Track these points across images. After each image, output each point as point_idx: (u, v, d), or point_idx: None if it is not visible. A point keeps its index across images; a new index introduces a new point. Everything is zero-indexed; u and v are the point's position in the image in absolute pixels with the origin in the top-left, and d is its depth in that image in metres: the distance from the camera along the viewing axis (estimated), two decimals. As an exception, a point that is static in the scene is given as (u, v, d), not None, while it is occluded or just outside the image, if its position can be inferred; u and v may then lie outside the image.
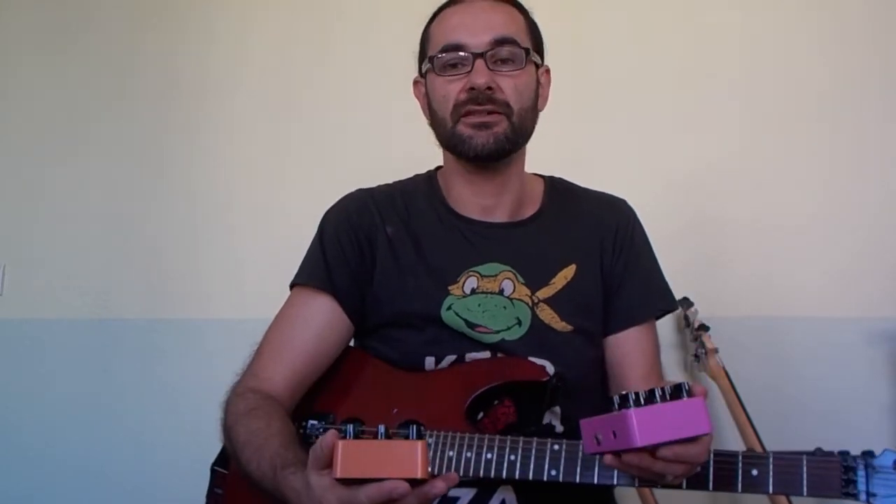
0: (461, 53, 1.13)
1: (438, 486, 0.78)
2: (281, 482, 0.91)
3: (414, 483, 0.76)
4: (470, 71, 1.12)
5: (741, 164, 1.98)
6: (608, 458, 0.87)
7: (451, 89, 1.14)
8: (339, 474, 0.76)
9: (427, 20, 1.23)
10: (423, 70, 1.21)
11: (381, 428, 0.77)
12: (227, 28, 2.33)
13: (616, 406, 0.82)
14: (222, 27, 2.33)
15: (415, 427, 0.77)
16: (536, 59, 1.19)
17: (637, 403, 0.81)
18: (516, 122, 1.15)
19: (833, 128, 1.95)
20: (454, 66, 1.14)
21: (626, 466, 0.87)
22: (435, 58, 1.16)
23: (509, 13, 1.18)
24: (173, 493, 1.74)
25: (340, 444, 0.76)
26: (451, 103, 1.14)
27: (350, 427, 0.78)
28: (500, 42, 1.13)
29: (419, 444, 0.76)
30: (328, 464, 0.78)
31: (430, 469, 0.78)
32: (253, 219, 2.20)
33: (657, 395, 0.81)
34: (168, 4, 2.37)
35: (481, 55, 1.12)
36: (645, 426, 0.80)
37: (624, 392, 0.82)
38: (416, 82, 1.25)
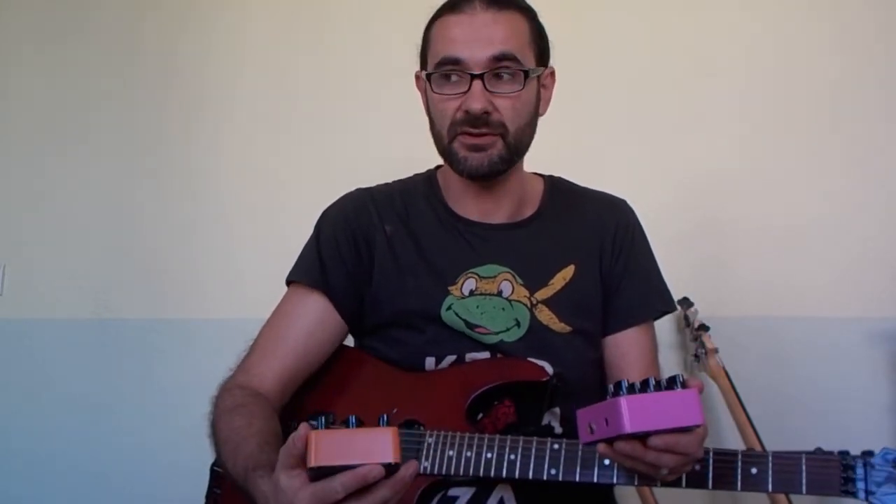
0: (458, 72, 1.11)
1: (412, 468, 0.80)
2: (250, 484, 0.91)
3: (388, 471, 0.78)
4: (467, 91, 1.10)
5: (742, 164, 1.98)
6: (601, 448, 0.88)
7: (447, 107, 1.13)
8: (313, 463, 0.76)
9: (430, 17, 1.20)
10: (424, 75, 1.19)
11: (352, 418, 0.79)
12: (226, 28, 2.32)
13: (610, 394, 0.83)
14: (222, 27, 2.33)
15: (385, 416, 0.80)
16: (538, 72, 1.16)
17: (630, 391, 0.82)
18: (512, 142, 1.13)
19: (834, 128, 1.95)
20: (451, 80, 1.12)
21: (619, 456, 0.88)
22: (432, 73, 1.13)
23: (512, 26, 1.13)
24: (172, 492, 1.74)
25: (313, 434, 0.77)
26: (447, 121, 1.13)
27: (322, 418, 0.80)
28: (500, 58, 1.10)
29: (390, 430, 0.78)
30: (299, 462, 0.79)
31: (425, 467, 0.78)
32: (252, 219, 2.20)
33: (651, 385, 0.83)
34: (166, 3, 2.37)
35: (479, 76, 1.10)
36: (635, 413, 0.81)
37: (618, 381, 0.83)
38: (417, 77, 1.24)
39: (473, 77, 1.10)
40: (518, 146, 1.15)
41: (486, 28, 1.11)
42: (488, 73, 1.10)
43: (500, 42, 1.11)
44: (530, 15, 1.18)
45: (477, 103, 1.09)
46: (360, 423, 0.79)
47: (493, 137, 1.12)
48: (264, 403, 1.09)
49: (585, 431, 0.88)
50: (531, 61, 1.14)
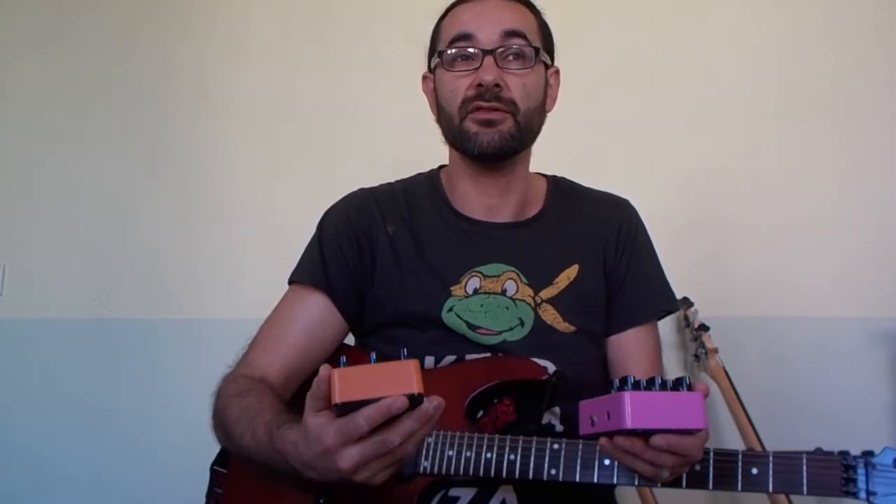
0: (470, 49, 1.14)
1: (437, 401, 0.79)
2: (277, 440, 0.90)
3: (412, 403, 0.77)
4: (479, 67, 1.12)
5: (742, 164, 1.98)
6: (602, 441, 0.88)
7: (459, 84, 1.14)
8: (336, 399, 0.76)
9: (437, 18, 1.23)
10: (433, 65, 1.21)
11: (373, 354, 0.79)
12: (225, 27, 2.32)
13: (614, 389, 0.84)
14: (221, 27, 2.33)
15: (404, 350, 0.79)
16: (546, 58, 1.19)
17: (635, 387, 0.83)
18: (522, 121, 1.14)
19: (835, 128, 1.95)
20: (464, 59, 1.14)
21: (618, 451, 0.88)
22: (444, 52, 1.16)
23: (521, 11, 1.18)
24: (173, 492, 1.74)
25: (335, 372, 0.77)
26: (458, 99, 1.14)
27: (343, 358, 0.80)
28: (510, 35, 1.13)
29: (412, 362, 0.77)
30: (325, 404, 0.79)
31: (425, 467, 0.77)
32: (252, 219, 2.20)
33: (656, 384, 0.83)
34: (165, 4, 2.37)
35: (491, 52, 1.12)
36: (638, 409, 0.81)
37: (624, 376, 0.83)
38: (424, 77, 1.25)
39: (485, 53, 1.12)
40: (528, 127, 1.16)
41: (496, 10, 1.15)
42: (499, 50, 1.13)
43: (510, 21, 1.15)
44: (537, 11, 1.21)
45: (489, 75, 1.11)
46: (381, 360, 0.78)
47: (504, 114, 1.13)
48: (271, 388, 1.09)
49: (586, 423, 0.88)
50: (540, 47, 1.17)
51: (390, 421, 0.78)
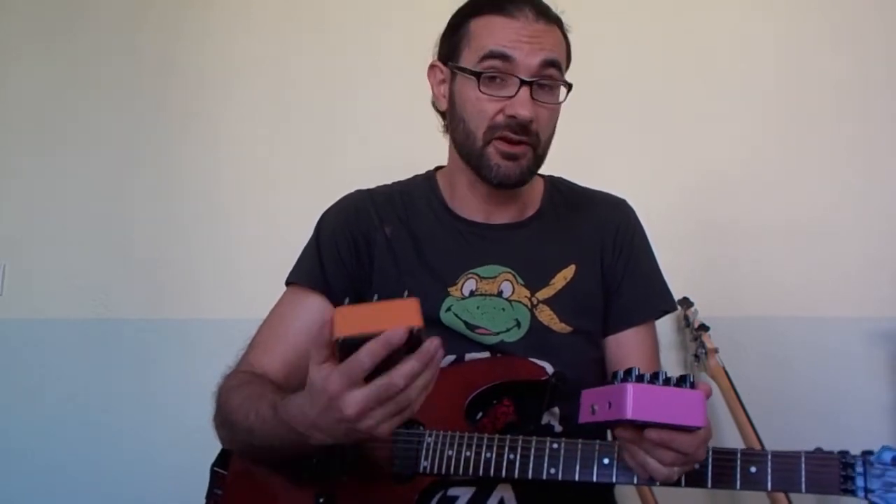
0: (507, 74, 1.09)
1: (436, 341, 0.79)
2: (281, 410, 0.91)
3: (413, 344, 0.77)
4: (513, 96, 1.09)
5: (742, 165, 1.98)
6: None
7: (487, 107, 1.11)
8: (337, 334, 0.76)
9: (436, 16, 1.19)
10: (454, 67, 1.16)
11: (376, 296, 0.80)
12: (224, 28, 2.33)
13: (618, 379, 0.84)
14: (219, 28, 2.33)
15: (406, 290, 0.79)
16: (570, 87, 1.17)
17: (639, 380, 0.83)
18: (540, 152, 1.15)
19: (834, 130, 1.95)
20: (494, 79, 1.10)
21: (620, 440, 0.89)
22: (479, 72, 1.11)
23: (558, 37, 1.14)
24: (173, 492, 1.74)
25: (336, 309, 0.77)
26: (485, 122, 1.11)
27: (347, 299, 0.80)
28: (548, 65, 1.10)
29: (413, 300, 0.77)
30: (330, 351, 0.79)
31: (424, 466, 0.76)
32: (250, 219, 2.20)
33: (660, 378, 0.83)
34: (163, 5, 2.37)
35: (529, 84, 1.09)
36: (639, 401, 0.82)
37: (629, 368, 0.84)
38: (433, 66, 1.21)
39: (523, 83, 1.09)
40: (543, 157, 1.16)
41: (538, 34, 1.11)
42: (536, 82, 1.10)
43: (550, 49, 1.11)
44: (565, 31, 1.18)
45: (527, 110, 1.09)
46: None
47: (527, 147, 1.12)
48: (272, 382, 1.09)
49: (587, 411, 0.89)
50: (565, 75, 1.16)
51: (393, 365, 0.78)
